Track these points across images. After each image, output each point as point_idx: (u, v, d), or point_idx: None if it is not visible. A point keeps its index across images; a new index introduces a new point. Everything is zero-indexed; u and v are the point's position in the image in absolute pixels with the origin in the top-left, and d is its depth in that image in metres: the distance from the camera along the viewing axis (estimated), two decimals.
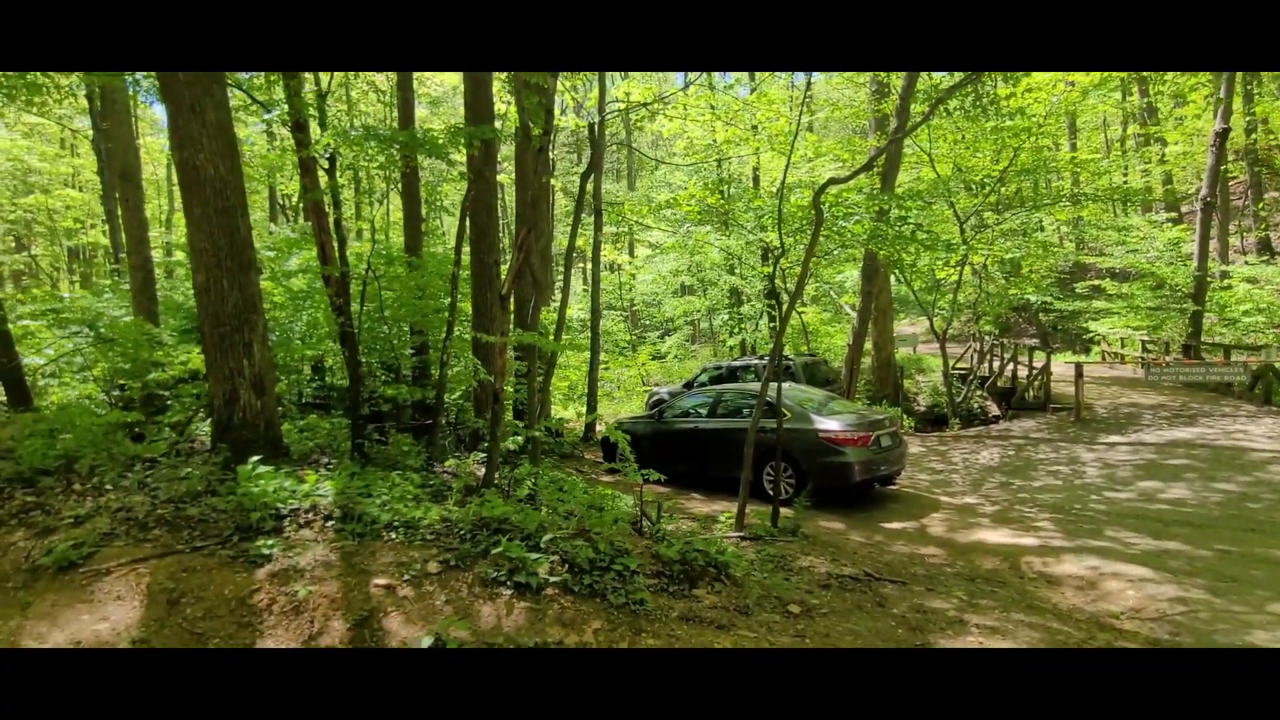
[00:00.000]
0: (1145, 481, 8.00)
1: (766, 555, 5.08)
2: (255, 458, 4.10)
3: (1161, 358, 15.27)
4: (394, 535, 3.55)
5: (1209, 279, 17.37)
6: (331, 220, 6.30)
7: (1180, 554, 5.43)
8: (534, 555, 3.36)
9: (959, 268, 15.75)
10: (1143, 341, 18.35)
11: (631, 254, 27.68)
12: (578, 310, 15.64)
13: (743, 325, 20.28)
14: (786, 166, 6.88)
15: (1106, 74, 14.76)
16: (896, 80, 13.71)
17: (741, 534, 5.74)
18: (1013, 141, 14.01)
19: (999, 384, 16.08)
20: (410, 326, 9.01)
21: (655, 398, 12.62)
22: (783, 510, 6.46)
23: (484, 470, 5.43)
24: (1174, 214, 23.96)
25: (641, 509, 4.70)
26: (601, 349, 21.97)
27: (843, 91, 23.90)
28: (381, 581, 3.08)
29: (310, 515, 3.70)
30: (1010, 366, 15.97)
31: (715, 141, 17.71)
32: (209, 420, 5.77)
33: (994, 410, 14.96)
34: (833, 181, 5.91)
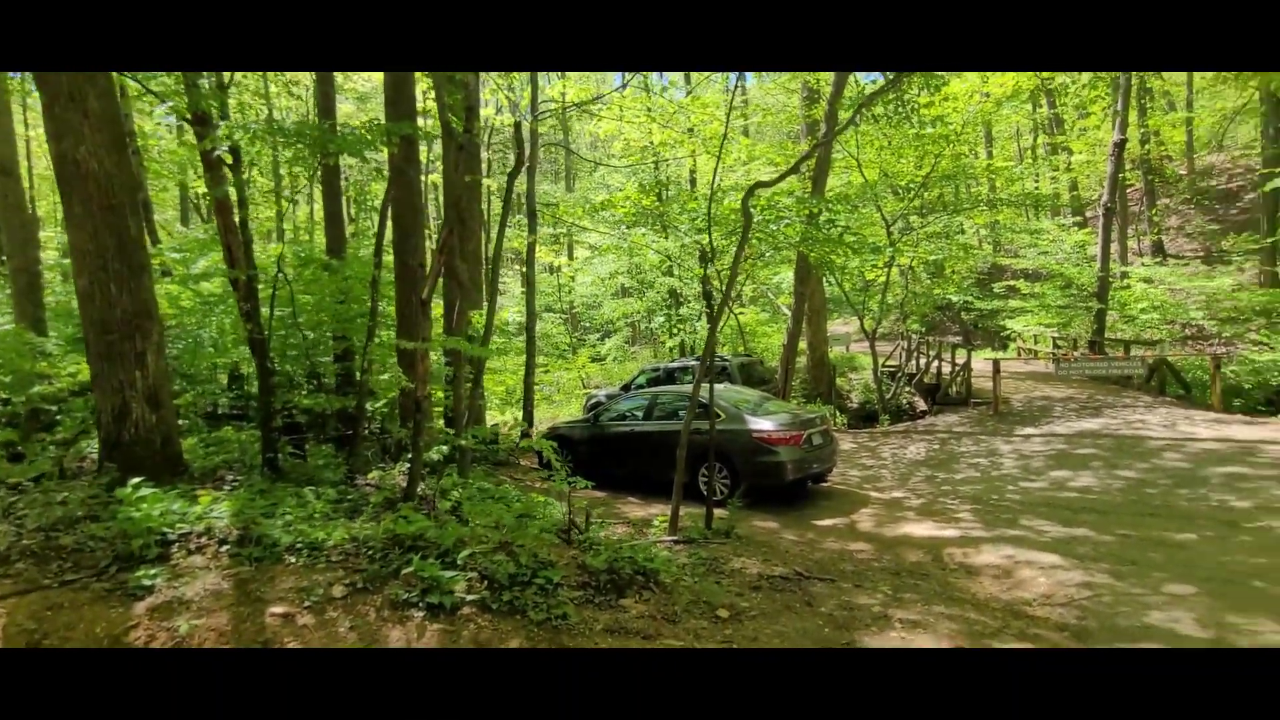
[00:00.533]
0: (1056, 471, 8.45)
1: (699, 559, 5.04)
2: (137, 479, 3.74)
3: (1070, 353, 16.27)
4: (296, 558, 3.30)
5: (1110, 279, 18.66)
6: (238, 219, 5.90)
7: (1087, 540, 5.73)
8: (450, 573, 3.19)
9: (886, 269, 16.33)
10: (1053, 338, 19.52)
11: (570, 256, 27.45)
12: (513, 314, 15.34)
13: (681, 326, 20.41)
14: (716, 169, 6.91)
15: (1019, 86, 15.64)
16: (827, 87, 14.09)
17: (675, 538, 5.70)
18: (934, 149, 14.64)
19: (925, 380, 16.76)
20: (334, 333, 8.61)
21: (593, 401, 12.52)
22: (717, 511, 6.47)
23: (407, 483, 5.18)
24: (1079, 218, 25.65)
25: (570, 517, 4.58)
26: (540, 352, 21.65)
27: (775, 97, 24.48)
28: (279, 610, 2.85)
29: (203, 540, 3.40)
30: (935, 363, 16.67)
31: (652, 143, 17.75)
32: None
33: (921, 406, 15.57)
34: (760, 185, 5.97)
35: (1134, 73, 18.43)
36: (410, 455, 5.37)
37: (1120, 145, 17.89)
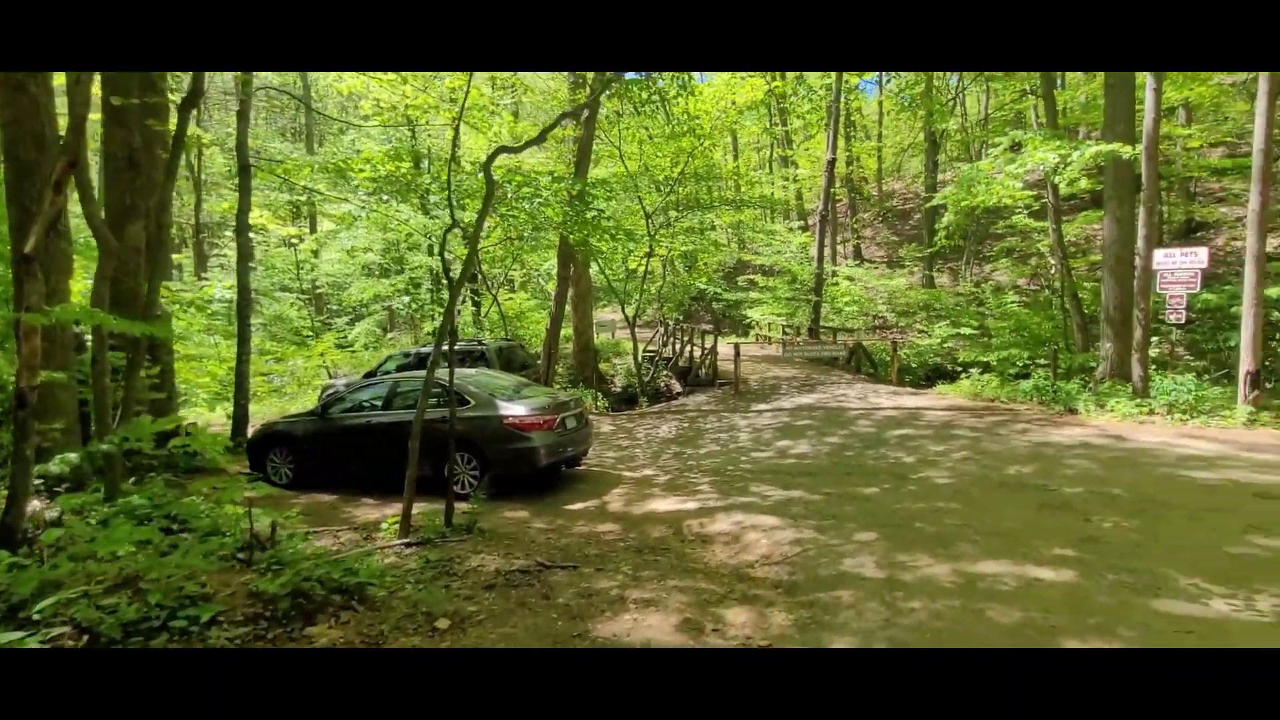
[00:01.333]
0: (781, 441, 9.50)
1: (428, 561, 4.49)
2: None
3: (794, 339, 18.67)
4: None
5: (825, 276, 21.98)
6: None
7: (800, 501, 6.41)
8: (17, 634, 2.22)
9: (647, 259, 17.09)
10: (782, 326, 22.38)
11: (314, 229, 24.08)
12: (222, 289, 12.79)
13: (439, 309, 19.12)
14: (455, 135, 6.29)
15: (754, 98, 17.41)
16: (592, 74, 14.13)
17: (407, 540, 5.05)
18: (687, 145, 15.63)
19: (680, 364, 18.00)
20: None
21: (330, 391, 10.98)
22: (462, 505, 5.95)
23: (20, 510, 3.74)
24: (803, 223, 29.80)
25: (251, 532, 3.69)
26: (273, 337, 18.57)
27: (545, 82, 24.17)
28: None
29: None
30: (688, 348, 17.96)
31: (404, 106, 16.18)
32: None
33: (678, 387, 16.66)
34: (504, 149, 5.54)
35: (841, 102, 21.77)
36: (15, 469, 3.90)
37: (831, 163, 21.06)
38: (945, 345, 18.73)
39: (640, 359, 17.81)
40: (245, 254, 9.22)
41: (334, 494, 7.38)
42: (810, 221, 29.85)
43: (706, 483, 7.45)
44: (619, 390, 17.85)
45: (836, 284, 22.76)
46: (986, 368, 13.39)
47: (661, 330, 21.40)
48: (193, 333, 10.56)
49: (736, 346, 13.96)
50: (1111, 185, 12.33)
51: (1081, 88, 20.46)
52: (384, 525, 5.44)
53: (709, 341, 17.42)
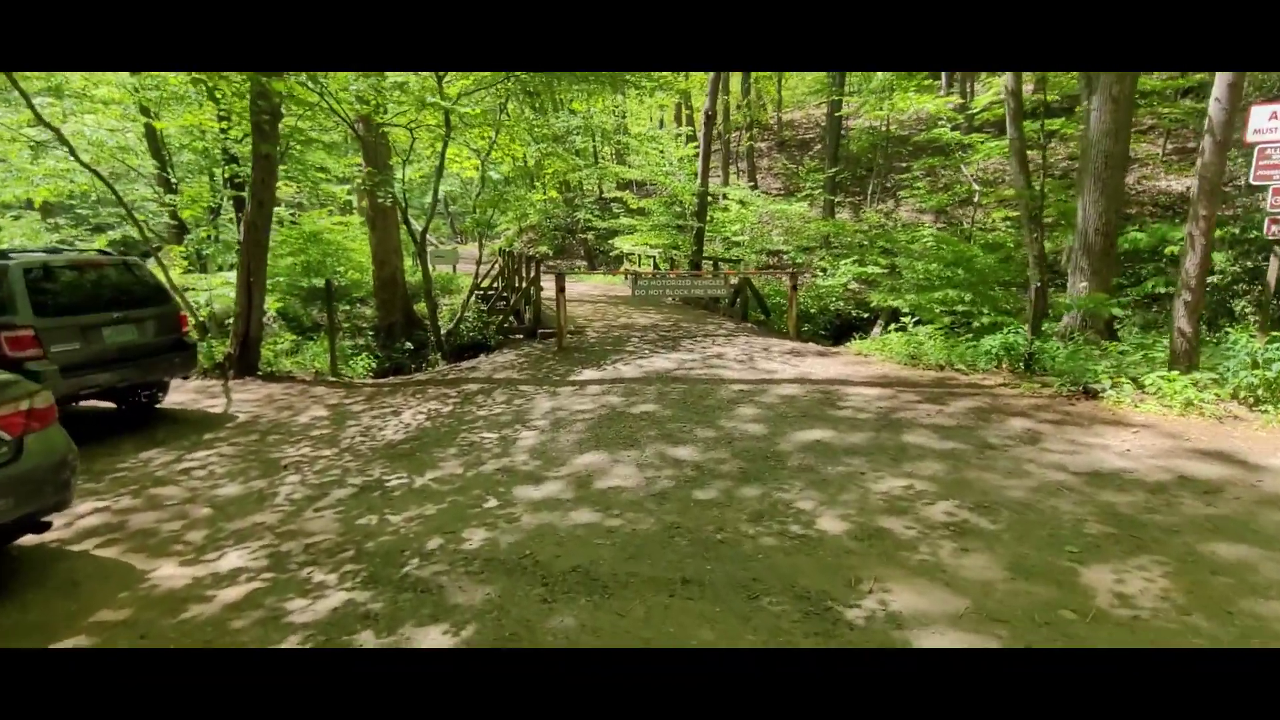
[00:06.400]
0: (585, 455, 4.88)
1: None
2: None
3: (650, 271, 14.04)
4: None
5: (711, 199, 17.41)
6: None
7: None
8: None
9: (443, 149, 11.60)
10: (653, 258, 17.68)
11: None
12: None
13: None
14: None
15: None
16: None
17: None
18: None
19: (513, 305, 13.05)
20: None
21: None
22: None
23: None
24: (690, 128, 24.93)
25: None
26: None
27: None
28: None
29: None
30: (522, 285, 12.97)
31: None
32: None
33: (520, 336, 11.79)
34: None
35: None
36: None
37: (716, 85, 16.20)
38: (848, 288, 14.91)
39: (433, 296, 12.78)
40: None
41: None
42: (698, 132, 25.19)
43: (307, 624, 2.68)
44: (442, 338, 12.80)
45: (726, 209, 18.29)
46: (919, 319, 9.43)
47: (500, 262, 16.25)
48: None
49: (559, 277, 9.05)
50: None
51: None
52: None
53: (546, 277, 12.47)
